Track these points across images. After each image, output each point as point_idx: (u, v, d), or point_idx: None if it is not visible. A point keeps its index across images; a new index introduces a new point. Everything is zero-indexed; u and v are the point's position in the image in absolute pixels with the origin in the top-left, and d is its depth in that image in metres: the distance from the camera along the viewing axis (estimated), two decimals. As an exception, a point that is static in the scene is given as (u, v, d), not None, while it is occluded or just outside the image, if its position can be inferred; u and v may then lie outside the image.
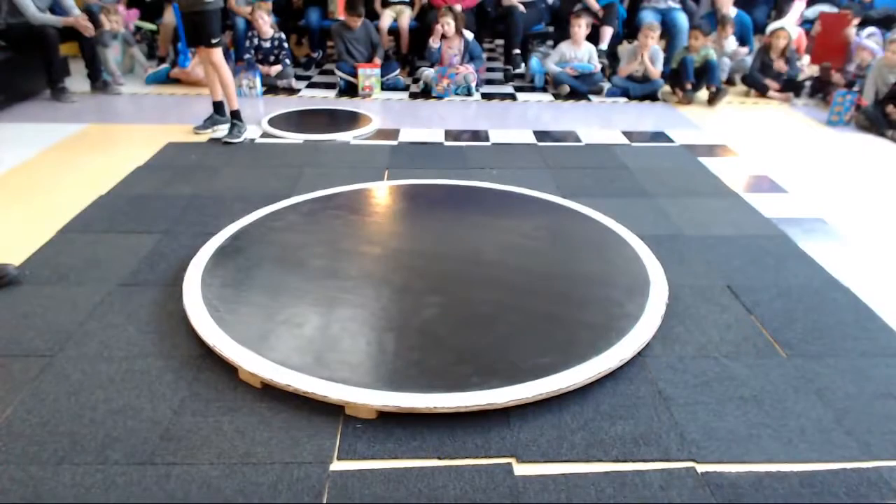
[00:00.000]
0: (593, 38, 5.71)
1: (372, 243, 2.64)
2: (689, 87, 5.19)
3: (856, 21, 5.58)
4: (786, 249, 2.72)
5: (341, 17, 5.94)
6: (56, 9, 4.99)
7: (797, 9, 5.97)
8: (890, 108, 4.44)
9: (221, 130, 4.24)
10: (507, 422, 1.72)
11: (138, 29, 6.36)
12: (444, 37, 5.42)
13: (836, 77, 5.38)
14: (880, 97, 4.61)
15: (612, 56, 6.04)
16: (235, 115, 4.17)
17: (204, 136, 4.17)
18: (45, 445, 1.62)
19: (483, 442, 1.65)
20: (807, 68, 5.73)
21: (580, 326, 2.08)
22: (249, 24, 5.81)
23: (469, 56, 5.47)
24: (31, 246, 2.65)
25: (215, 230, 2.76)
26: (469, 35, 5.50)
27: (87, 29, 5.02)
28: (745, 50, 5.87)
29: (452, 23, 5.34)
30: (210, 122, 4.29)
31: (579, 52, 5.52)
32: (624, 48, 6.02)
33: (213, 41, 3.89)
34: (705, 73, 5.20)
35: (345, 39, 5.50)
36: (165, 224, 2.87)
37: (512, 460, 1.60)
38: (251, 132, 4.28)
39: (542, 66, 5.66)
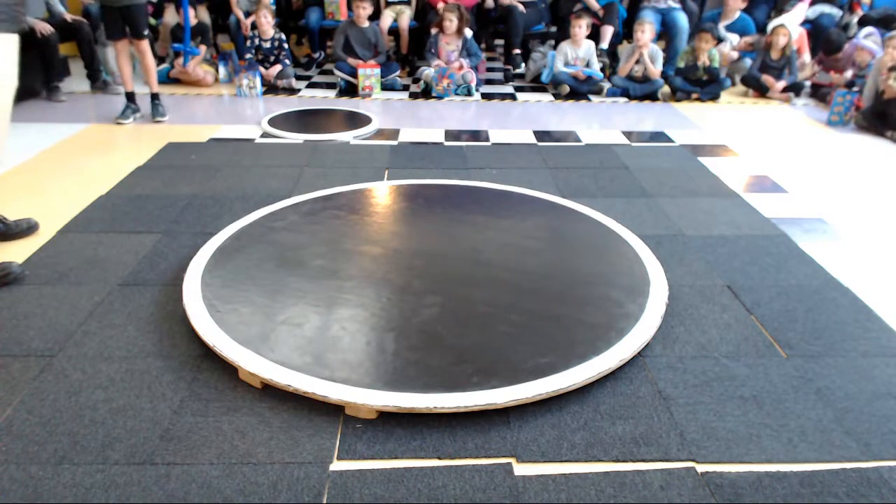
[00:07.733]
0: (593, 37, 5.71)
1: (372, 243, 2.64)
2: (695, 97, 5.42)
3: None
4: (786, 249, 2.72)
5: (342, 18, 5.94)
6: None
7: (801, 8, 5.96)
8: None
9: (139, 116, 4.58)
10: (507, 422, 1.72)
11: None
12: (443, 32, 5.43)
13: (837, 77, 5.38)
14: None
15: (612, 56, 6.04)
16: (155, 96, 4.58)
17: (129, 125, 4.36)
18: (45, 445, 1.62)
19: (483, 442, 1.65)
20: (808, 68, 5.72)
21: (580, 326, 2.08)
22: (244, 24, 5.82)
23: (466, 52, 5.47)
24: (31, 246, 2.65)
25: (215, 230, 2.76)
26: (468, 33, 5.50)
27: (46, 29, 4.96)
28: (736, 54, 5.89)
29: (455, 21, 5.34)
30: (131, 111, 4.56)
31: (580, 52, 5.52)
32: (624, 48, 6.02)
33: (146, 33, 4.35)
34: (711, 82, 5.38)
35: (348, 36, 5.50)
36: (165, 224, 2.88)
37: (512, 460, 1.60)
38: (251, 132, 4.28)
39: (554, 65, 5.63)
